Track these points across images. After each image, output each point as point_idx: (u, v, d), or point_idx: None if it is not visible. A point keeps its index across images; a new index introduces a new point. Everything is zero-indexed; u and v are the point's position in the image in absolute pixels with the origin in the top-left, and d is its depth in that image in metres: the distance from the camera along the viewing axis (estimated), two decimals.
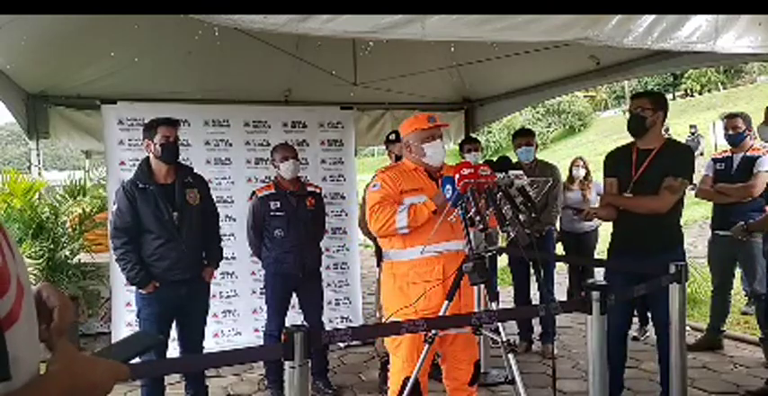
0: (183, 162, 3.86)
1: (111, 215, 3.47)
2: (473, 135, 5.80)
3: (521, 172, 2.58)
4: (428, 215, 2.66)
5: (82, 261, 5.25)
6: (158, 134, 3.23)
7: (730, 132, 4.27)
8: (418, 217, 2.67)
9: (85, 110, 4.89)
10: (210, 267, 3.52)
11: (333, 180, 5.17)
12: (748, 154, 4.16)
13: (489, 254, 2.64)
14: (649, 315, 3.71)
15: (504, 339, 2.49)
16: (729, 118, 4.39)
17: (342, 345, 4.67)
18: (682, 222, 3.33)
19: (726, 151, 4.45)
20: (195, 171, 3.58)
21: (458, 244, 2.72)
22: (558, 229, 5.08)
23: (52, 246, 4.95)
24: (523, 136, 4.55)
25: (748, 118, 4.32)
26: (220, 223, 3.90)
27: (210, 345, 4.32)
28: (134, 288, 3.33)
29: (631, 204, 3.19)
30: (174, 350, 3.60)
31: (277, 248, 3.78)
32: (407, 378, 2.72)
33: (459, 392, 2.90)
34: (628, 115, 3.31)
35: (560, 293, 5.40)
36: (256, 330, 4.69)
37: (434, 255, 2.71)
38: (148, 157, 3.34)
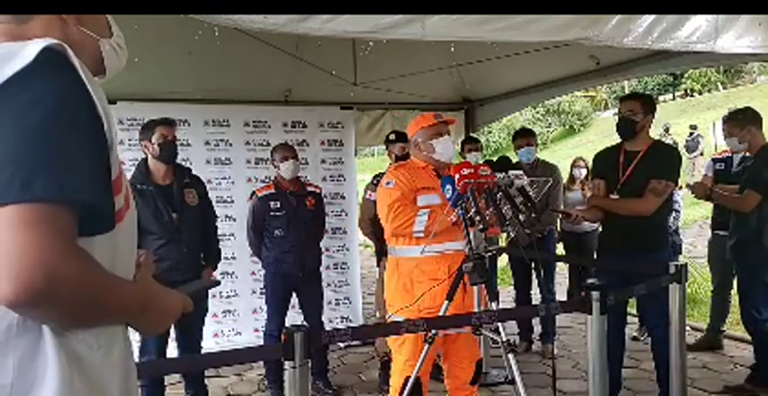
0: (184, 162, 3.85)
1: None
2: (473, 135, 5.79)
3: (521, 172, 2.58)
4: (447, 225, 2.65)
5: None
6: (156, 134, 3.22)
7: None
8: (436, 225, 2.65)
9: None
10: (209, 268, 3.51)
11: (333, 180, 5.18)
12: (748, 154, 4.16)
13: (489, 254, 2.65)
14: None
15: (504, 339, 2.49)
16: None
17: (342, 345, 4.67)
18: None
19: (726, 151, 4.45)
20: (193, 172, 3.57)
21: (457, 245, 2.72)
22: (559, 229, 5.08)
23: None
24: (524, 137, 4.54)
25: None
26: (220, 223, 3.88)
27: (210, 345, 4.32)
28: None
29: (616, 206, 3.22)
30: (173, 351, 3.60)
31: (277, 248, 3.78)
32: (409, 377, 2.71)
33: (460, 392, 2.91)
34: (618, 117, 3.31)
35: (560, 293, 5.39)
36: (256, 330, 4.69)
37: (438, 254, 2.71)
38: (146, 158, 3.33)
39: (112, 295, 0.88)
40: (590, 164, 5.42)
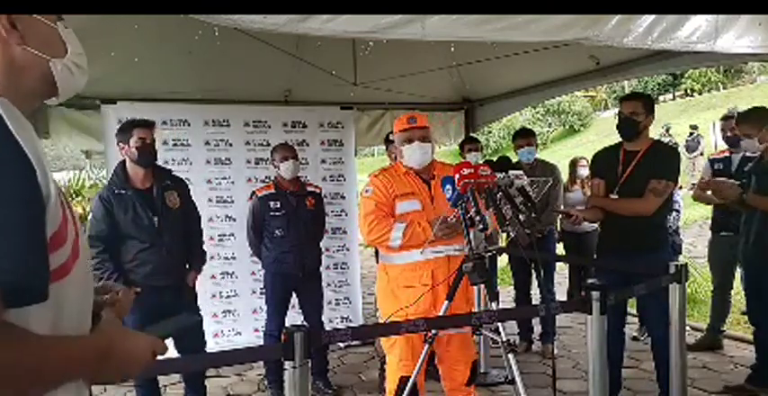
0: (184, 162, 3.84)
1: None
2: (473, 135, 5.79)
3: (521, 172, 2.58)
4: (423, 240, 2.66)
5: None
6: (134, 136, 3.12)
7: (728, 134, 4.24)
8: (413, 239, 2.68)
9: (85, 110, 4.88)
10: (194, 271, 3.43)
11: (333, 180, 5.18)
12: (748, 154, 4.13)
13: (489, 254, 2.65)
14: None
15: (504, 339, 2.49)
16: (726, 119, 4.33)
17: (342, 345, 4.67)
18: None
19: (724, 151, 4.43)
20: (174, 173, 3.48)
21: (451, 248, 2.72)
22: (559, 229, 5.08)
23: None
24: (524, 137, 4.54)
25: None
26: (220, 223, 3.87)
27: (210, 345, 4.32)
28: None
29: (616, 206, 3.20)
30: (172, 351, 3.59)
31: (277, 248, 3.78)
32: (404, 377, 2.72)
33: (457, 393, 2.91)
34: (619, 117, 3.25)
35: (560, 293, 5.40)
36: (256, 330, 4.69)
37: (427, 259, 2.72)
38: (124, 161, 3.23)
39: (49, 365, 0.80)
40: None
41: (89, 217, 3.26)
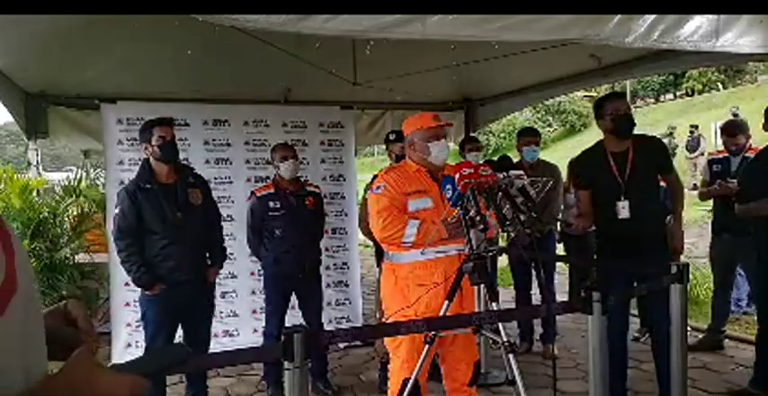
0: (183, 162, 3.84)
1: (113, 216, 3.46)
2: (473, 135, 5.79)
3: (521, 172, 2.57)
4: (438, 238, 2.65)
5: (81, 261, 5.24)
6: (154, 135, 3.21)
7: (732, 148, 4.23)
8: (426, 237, 2.66)
9: (85, 110, 4.88)
10: (214, 268, 3.51)
11: (333, 180, 5.17)
12: (747, 155, 4.12)
13: (490, 254, 2.64)
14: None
15: (505, 340, 2.48)
16: (730, 136, 4.27)
17: (341, 345, 4.67)
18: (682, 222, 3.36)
19: (722, 151, 4.41)
20: (195, 171, 3.57)
21: (452, 248, 2.72)
22: (559, 229, 5.07)
23: (51, 246, 4.94)
24: (529, 135, 4.52)
25: (746, 126, 4.28)
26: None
27: (211, 345, 4.31)
28: (136, 288, 3.32)
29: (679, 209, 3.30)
30: None
31: (276, 248, 3.77)
32: (407, 379, 2.71)
33: (459, 393, 2.90)
34: (619, 115, 3.20)
35: (561, 294, 5.39)
36: (256, 330, 4.68)
37: (435, 257, 2.71)
38: (148, 159, 3.31)
39: None
40: None
41: (116, 210, 3.29)
